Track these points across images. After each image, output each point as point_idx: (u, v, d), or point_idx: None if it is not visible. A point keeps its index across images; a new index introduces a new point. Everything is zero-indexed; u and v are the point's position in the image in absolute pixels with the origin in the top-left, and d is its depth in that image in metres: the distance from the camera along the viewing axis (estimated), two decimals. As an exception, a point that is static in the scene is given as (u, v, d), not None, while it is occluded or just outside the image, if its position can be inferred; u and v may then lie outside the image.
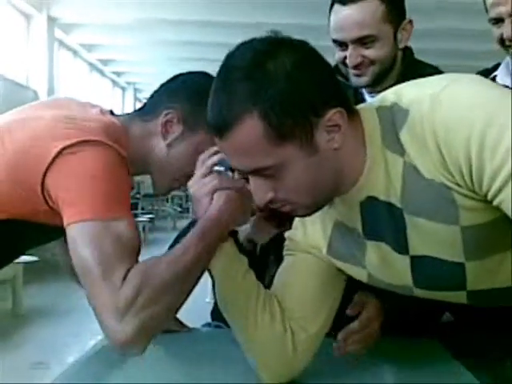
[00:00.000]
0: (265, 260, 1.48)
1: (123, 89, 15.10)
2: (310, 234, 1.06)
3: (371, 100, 0.95)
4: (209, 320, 1.60)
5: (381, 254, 0.95)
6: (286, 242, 1.10)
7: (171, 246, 1.60)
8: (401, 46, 1.50)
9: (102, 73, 13.06)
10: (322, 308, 1.06)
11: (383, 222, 0.91)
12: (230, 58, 0.87)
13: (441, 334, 1.35)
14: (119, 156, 1.00)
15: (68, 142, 0.96)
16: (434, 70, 1.51)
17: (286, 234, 1.11)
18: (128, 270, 0.92)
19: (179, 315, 1.50)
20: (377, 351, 1.26)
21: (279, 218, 1.37)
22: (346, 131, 0.87)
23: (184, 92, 1.13)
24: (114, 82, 14.29)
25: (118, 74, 13.60)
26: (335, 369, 1.13)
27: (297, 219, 1.09)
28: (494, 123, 0.76)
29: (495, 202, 0.79)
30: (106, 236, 0.94)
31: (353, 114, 0.90)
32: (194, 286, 0.98)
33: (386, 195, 0.89)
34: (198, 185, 1.02)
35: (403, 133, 0.85)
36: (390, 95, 0.91)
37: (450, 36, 9.00)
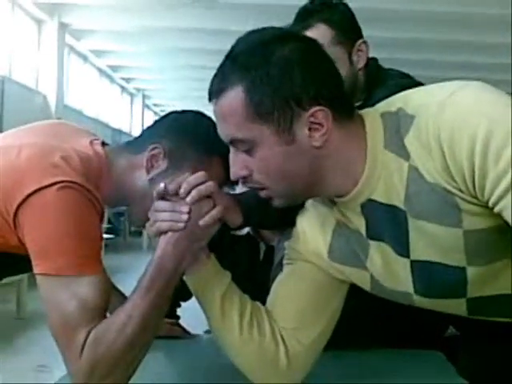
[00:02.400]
0: (268, 265, 1.49)
1: (132, 95, 15.16)
2: (309, 239, 1.04)
3: None
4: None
5: (383, 255, 0.95)
6: (286, 251, 1.09)
7: None
8: (359, 66, 1.50)
9: (111, 79, 13.13)
10: (318, 319, 1.03)
11: (385, 223, 0.91)
12: (242, 38, 0.92)
13: (445, 348, 1.33)
14: (92, 199, 0.98)
15: (41, 184, 0.94)
16: (401, 80, 1.50)
17: (286, 243, 1.09)
18: (87, 336, 0.92)
19: (181, 321, 1.52)
20: (380, 362, 1.27)
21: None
22: (331, 133, 0.88)
23: (173, 129, 1.12)
24: (123, 89, 14.35)
25: (127, 80, 13.66)
26: (333, 380, 1.12)
27: (295, 227, 1.07)
28: (499, 131, 0.77)
29: (496, 209, 0.79)
30: (68, 295, 0.93)
31: (350, 118, 0.91)
32: (152, 337, 0.97)
33: (388, 198, 0.89)
34: (149, 222, 0.99)
35: (408, 137, 0.86)
36: (396, 100, 0.92)
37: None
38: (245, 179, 0.92)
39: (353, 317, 1.09)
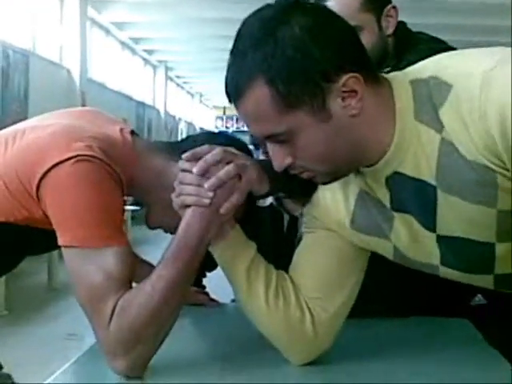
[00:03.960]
0: (292, 236, 1.50)
1: (154, 67, 15.13)
2: (331, 208, 1.03)
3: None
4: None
5: (408, 226, 0.93)
6: (305, 219, 1.08)
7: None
8: (388, 32, 1.47)
9: (133, 51, 13.10)
10: (342, 287, 1.03)
11: (411, 197, 0.89)
12: (242, 26, 0.87)
13: (473, 316, 1.33)
14: (112, 173, 1.00)
15: (60, 158, 0.97)
16: (433, 44, 1.47)
17: (305, 211, 1.08)
18: (115, 306, 0.94)
19: (208, 290, 1.55)
20: (406, 330, 1.27)
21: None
22: (365, 97, 0.85)
23: None
24: (146, 61, 14.32)
25: (150, 52, 13.61)
26: (361, 349, 1.13)
27: (315, 194, 1.06)
28: None
29: None
30: (93, 267, 0.95)
31: (378, 82, 0.87)
32: (179, 307, 0.99)
33: (417, 172, 0.87)
34: (175, 193, 0.97)
35: (444, 108, 0.82)
36: (428, 66, 0.87)
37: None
38: (289, 167, 0.90)
39: (378, 284, 1.11)
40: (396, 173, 0.89)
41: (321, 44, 0.83)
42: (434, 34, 1.56)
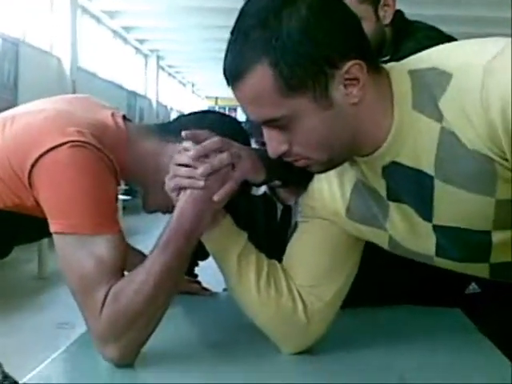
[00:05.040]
0: (286, 225, 1.49)
1: (146, 56, 15.05)
2: (327, 197, 1.02)
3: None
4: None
5: (404, 216, 0.93)
6: (302, 209, 1.08)
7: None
8: (385, 22, 1.47)
9: (124, 40, 13.03)
10: (336, 276, 1.03)
11: (408, 187, 0.89)
12: (246, 5, 0.84)
13: (466, 305, 1.33)
14: (106, 160, 0.98)
15: (53, 143, 0.95)
16: (430, 32, 1.48)
17: (301, 200, 1.08)
18: (107, 293, 0.93)
19: (201, 278, 1.54)
20: (397, 319, 1.28)
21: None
22: (366, 86, 0.83)
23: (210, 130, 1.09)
24: (137, 50, 14.25)
25: (141, 41, 13.54)
26: (352, 337, 1.13)
27: (311, 184, 1.06)
28: None
29: None
30: (85, 254, 0.94)
31: (378, 71, 0.86)
32: (172, 295, 0.98)
33: (415, 162, 0.86)
34: (169, 175, 0.96)
35: (444, 98, 0.81)
36: (427, 56, 0.87)
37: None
38: (284, 154, 0.88)
39: (371, 273, 1.10)
40: (393, 162, 0.88)
41: (327, 28, 0.81)
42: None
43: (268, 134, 0.88)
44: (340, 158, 0.91)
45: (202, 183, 0.94)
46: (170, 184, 0.96)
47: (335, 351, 1.07)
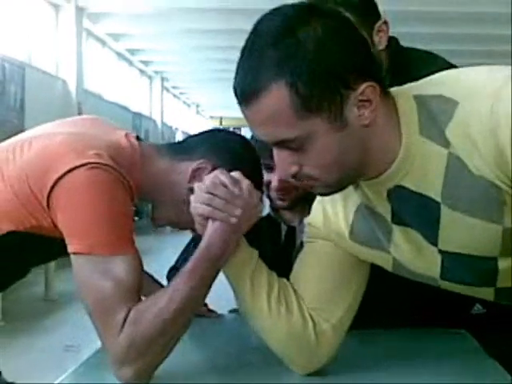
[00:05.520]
0: (290, 246, 1.50)
1: (150, 78, 15.16)
2: (331, 218, 1.02)
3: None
4: (235, 306, 1.63)
5: (409, 239, 0.92)
6: (307, 229, 1.08)
7: (177, 262, 1.61)
8: (380, 47, 1.47)
9: (129, 62, 13.13)
10: (342, 298, 1.03)
11: (413, 211, 0.88)
12: (259, 23, 0.83)
13: (471, 326, 1.33)
14: (123, 181, 1.00)
15: (72, 165, 0.97)
16: (424, 54, 1.50)
17: (307, 220, 1.08)
18: (127, 315, 0.93)
19: (207, 300, 1.54)
20: (402, 340, 1.27)
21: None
22: (377, 108, 0.83)
23: (224, 153, 1.13)
24: (142, 72, 14.35)
25: (146, 63, 13.65)
26: (359, 360, 1.13)
27: (316, 204, 1.06)
28: None
29: None
30: (103, 274, 0.94)
31: (386, 94, 0.86)
32: (191, 319, 0.99)
33: (420, 187, 0.85)
34: (197, 200, 0.97)
35: (451, 125, 0.81)
36: (431, 83, 0.87)
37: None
38: (294, 176, 0.87)
39: (377, 296, 1.10)
40: (398, 186, 0.87)
41: (343, 48, 0.81)
42: (420, 43, 1.56)
43: (278, 155, 0.87)
44: (347, 180, 0.90)
45: (235, 220, 0.95)
46: (198, 209, 0.97)
47: (342, 373, 1.07)
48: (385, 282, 1.09)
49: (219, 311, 1.49)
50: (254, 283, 1.01)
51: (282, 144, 0.84)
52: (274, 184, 1.42)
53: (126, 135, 1.13)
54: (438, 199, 0.85)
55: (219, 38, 10.05)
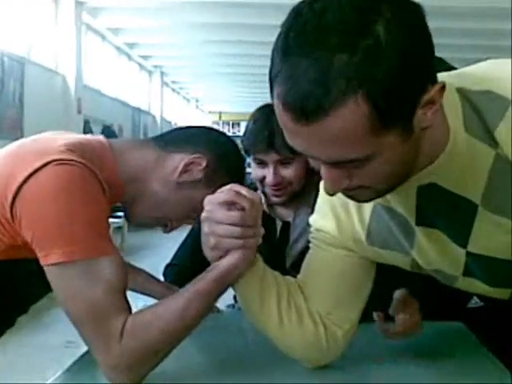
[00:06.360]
0: (285, 242, 1.49)
1: (150, 73, 15.14)
2: (344, 222, 0.96)
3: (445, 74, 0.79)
4: (232, 301, 1.62)
5: (433, 240, 0.88)
6: (315, 233, 1.02)
7: (174, 258, 1.60)
8: None
9: (129, 57, 13.11)
10: (355, 304, 1.03)
11: (442, 211, 0.84)
12: (315, 11, 0.64)
13: (468, 319, 1.33)
14: (95, 177, 0.91)
15: (35, 166, 0.87)
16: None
17: (316, 225, 1.02)
18: (124, 324, 0.88)
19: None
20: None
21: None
22: (439, 108, 0.72)
23: (213, 147, 1.10)
24: (141, 66, 14.33)
25: (145, 57, 13.62)
26: (356, 352, 1.12)
27: (323, 206, 0.99)
28: None
29: None
30: (90, 280, 0.87)
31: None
32: (192, 330, 0.96)
33: (458, 187, 0.80)
34: (212, 232, 0.87)
35: (502, 125, 0.74)
36: (475, 75, 0.79)
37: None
38: (344, 189, 0.77)
39: (374, 289, 1.10)
40: (431, 184, 0.81)
41: (419, 47, 0.66)
42: None
43: (329, 173, 0.74)
44: (398, 183, 0.79)
45: (255, 241, 0.90)
46: (224, 244, 0.89)
47: (340, 366, 1.07)
48: (382, 275, 1.08)
49: (217, 305, 1.49)
50: (263, 297, 0.97)
51: (339, 164, 0.72)
52: (269, 180, 1.41)
53: (92, 136, 1.09)
54: (476, 201, 0.80)
55: (219, 32, 10.02)
